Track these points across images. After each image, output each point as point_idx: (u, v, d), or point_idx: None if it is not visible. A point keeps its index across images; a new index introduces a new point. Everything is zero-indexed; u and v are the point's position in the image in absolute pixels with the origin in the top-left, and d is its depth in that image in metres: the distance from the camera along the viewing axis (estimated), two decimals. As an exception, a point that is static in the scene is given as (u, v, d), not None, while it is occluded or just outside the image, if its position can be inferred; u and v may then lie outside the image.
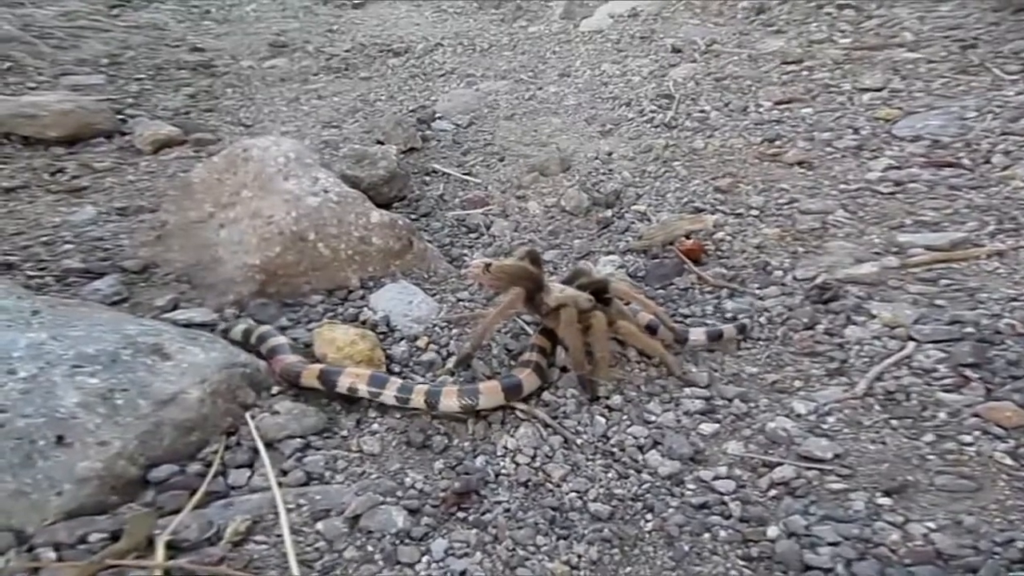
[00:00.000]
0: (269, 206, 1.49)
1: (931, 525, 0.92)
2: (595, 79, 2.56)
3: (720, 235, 1.62)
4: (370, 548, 0.89)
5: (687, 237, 1.61)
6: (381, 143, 2.07)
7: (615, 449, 1.07)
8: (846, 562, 0.87)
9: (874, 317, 1.31)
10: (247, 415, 1.09)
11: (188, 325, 1.32)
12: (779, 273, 1.48)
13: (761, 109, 2.22)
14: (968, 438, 1.04)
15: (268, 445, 1.05)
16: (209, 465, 1.00)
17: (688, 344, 1.28)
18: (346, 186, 1.52)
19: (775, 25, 2.93)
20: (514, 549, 0.91)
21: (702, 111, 2.25)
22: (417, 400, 1.11)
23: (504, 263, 1.25)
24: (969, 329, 1.24)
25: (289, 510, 0.94)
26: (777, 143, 2.02)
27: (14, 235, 1.66)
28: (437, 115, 2.30)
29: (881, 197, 1.72)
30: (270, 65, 3.02)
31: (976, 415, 1.07)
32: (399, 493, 0.98)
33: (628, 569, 0.90)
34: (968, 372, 1.14)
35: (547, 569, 0.89)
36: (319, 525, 0.92)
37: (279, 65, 3.02)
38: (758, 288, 1.44)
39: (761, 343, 1.29)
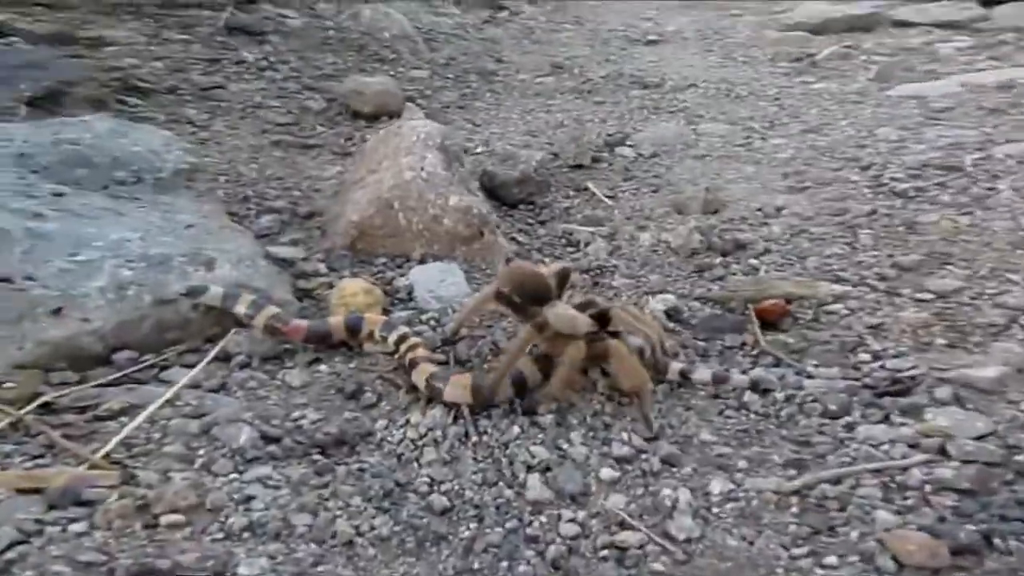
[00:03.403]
0: (390, 175, 1.64)
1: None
2: (848, 140, 2.26)
3: (834, 306, 1.40)
4: (200, 452, 0.97)
5: (788, 301, 1.42)
6: (555, 155, 2.13)
7: (504, 459, 1.01)
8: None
9: (923, 421, 1.07)
10: (233, 330, 1.23)
11: (278, 259, 1.51)
12: (867, 356, 1.24)
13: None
14: (833, 559, 0.81)
15: (227, 358, 1.18)
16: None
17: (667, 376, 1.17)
18: (441, 169, 1.61)
19: None
20: (322, 501, 0.92)
21: (991, 188, 1.87)
22: (402, 353, 1.16)
23: (519, 264, 1.24)
24: (993, 447, 0.97)
25: (176, 407, 1.05)
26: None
27: (272, 179, 1.95)
28: (628, 142, 2.27)
29: None
30: (539, 81, 3.21)
31: (880, 540, 0.84)
32: (274, 421, 1.04)
33: (402, 560, 0.86)
34: (934, 497, 0.89)
35: (334, 527, 0.88)
36: (174, 422, 1.01)
37: (546, 82, 3.20)
38: (814, 365, 1.22)
39: (752, 416, 1.10)
